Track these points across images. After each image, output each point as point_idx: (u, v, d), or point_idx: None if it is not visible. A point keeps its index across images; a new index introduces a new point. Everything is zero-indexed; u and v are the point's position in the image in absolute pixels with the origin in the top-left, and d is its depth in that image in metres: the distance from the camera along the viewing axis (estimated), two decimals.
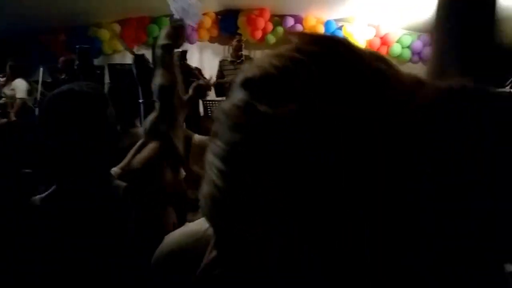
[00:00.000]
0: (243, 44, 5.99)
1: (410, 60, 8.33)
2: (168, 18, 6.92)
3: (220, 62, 6.07)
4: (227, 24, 7.34)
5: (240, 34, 6.21)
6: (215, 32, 7.45)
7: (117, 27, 6.95)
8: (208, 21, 7.26)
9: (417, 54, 8.29)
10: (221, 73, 5.97)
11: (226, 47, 7.66)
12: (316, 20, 7.62)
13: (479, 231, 0.39)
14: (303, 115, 0.35)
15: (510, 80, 3.67)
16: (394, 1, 6.93)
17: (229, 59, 5.99)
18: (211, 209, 0.41)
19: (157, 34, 6.86)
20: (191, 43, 7.21)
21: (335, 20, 7.77)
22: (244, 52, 6.05)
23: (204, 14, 7.24)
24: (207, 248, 0.71)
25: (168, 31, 1.51)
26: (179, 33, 1.53)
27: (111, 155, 1.32)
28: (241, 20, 7.26)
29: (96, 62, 6.29)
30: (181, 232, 0.78)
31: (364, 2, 7.07)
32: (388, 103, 0.37)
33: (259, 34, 7.16)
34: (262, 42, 7.54)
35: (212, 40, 7.59)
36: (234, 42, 5.95)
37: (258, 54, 7.56)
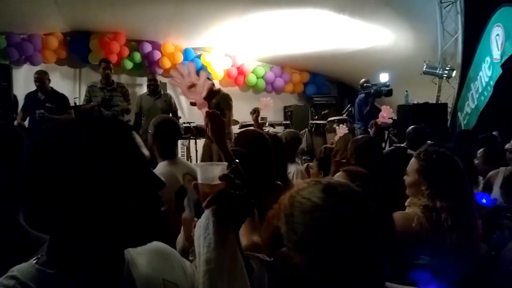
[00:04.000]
0: (110, 71, 5.51)
1: (265, 90, 8.93)
2: (3, 36, 6.10)
3: (89, 87, 5.56)
4: (78, 46, 6.81)
5: (107, 62, 5.66)
6: (63, 54, 6.82)
7: None
8: (54, 42, 6.62)
9: (270, 84, 8.93)
10: (89, 99, 5.47)
11: (77, 70, 7.09)
12: (175, 47, 7.62)
13: None
14: None
15: (346, 109, 4.18)
16: (248, 34, 7.37)
17: (98, 85, 5.49)
18: None
19: None
20: (35, 64, 6.46)
21: (194, 48, 7.89)
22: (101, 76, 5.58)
23: (49, 34, 6.60)
24: None
25: None
26: None
27: None
28: (94, 43, 6.82)
29: None
30: None
31: (220, 33, 7.36)
32: None
33: (114, 58, 6.80)
34: (118, 67, 7.18)
35: (60, 62, 6.92)
36: (101, 70, 5.50)
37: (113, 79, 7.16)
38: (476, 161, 3.45)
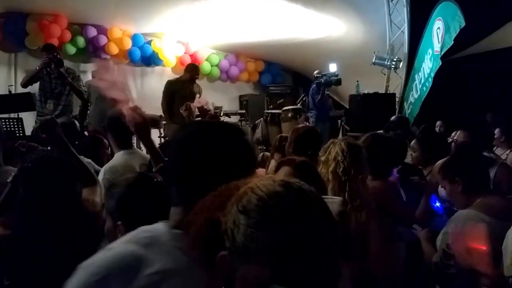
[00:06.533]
0: (50, 57, 4.85)
1: (220, 78, 8.76)
2: None
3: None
4: (13, 29, 6.35)
5: (51, 49, 4.94)
6: None
7: None
8: None
9: (225, 73, 8.76)
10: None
11: (13, 54, 6.63)
12: (123, 32, 7.28)
13: None
14: None
15: (300, 98, 4.12)
16: (201, 20, 7.16)
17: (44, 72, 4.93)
18: None
19: None
20: None
21: (144, 34, 7.58)
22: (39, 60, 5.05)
23: None
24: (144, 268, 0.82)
25: None
26: None
27: None
28: (31, 26, 6.38)
29: None
30: (110, 256, 0.83)
31: (172, 19, 7.10)
32: None
33: (54, 42, 6.39)
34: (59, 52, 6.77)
35: None
36: (45, 58, 4.87)
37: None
38: (414, 153, 3.44)
